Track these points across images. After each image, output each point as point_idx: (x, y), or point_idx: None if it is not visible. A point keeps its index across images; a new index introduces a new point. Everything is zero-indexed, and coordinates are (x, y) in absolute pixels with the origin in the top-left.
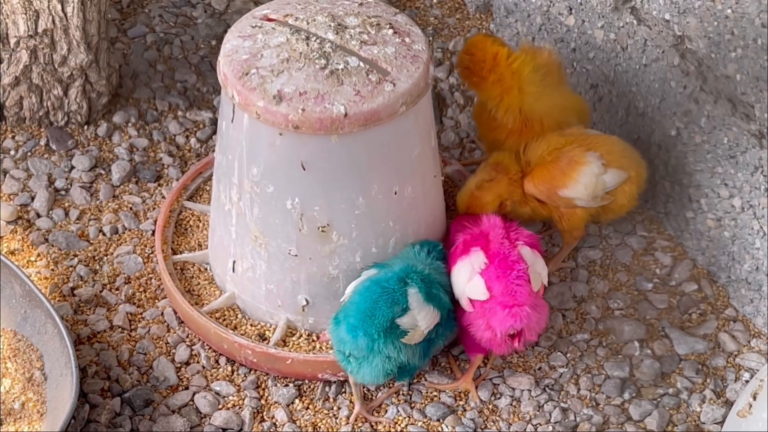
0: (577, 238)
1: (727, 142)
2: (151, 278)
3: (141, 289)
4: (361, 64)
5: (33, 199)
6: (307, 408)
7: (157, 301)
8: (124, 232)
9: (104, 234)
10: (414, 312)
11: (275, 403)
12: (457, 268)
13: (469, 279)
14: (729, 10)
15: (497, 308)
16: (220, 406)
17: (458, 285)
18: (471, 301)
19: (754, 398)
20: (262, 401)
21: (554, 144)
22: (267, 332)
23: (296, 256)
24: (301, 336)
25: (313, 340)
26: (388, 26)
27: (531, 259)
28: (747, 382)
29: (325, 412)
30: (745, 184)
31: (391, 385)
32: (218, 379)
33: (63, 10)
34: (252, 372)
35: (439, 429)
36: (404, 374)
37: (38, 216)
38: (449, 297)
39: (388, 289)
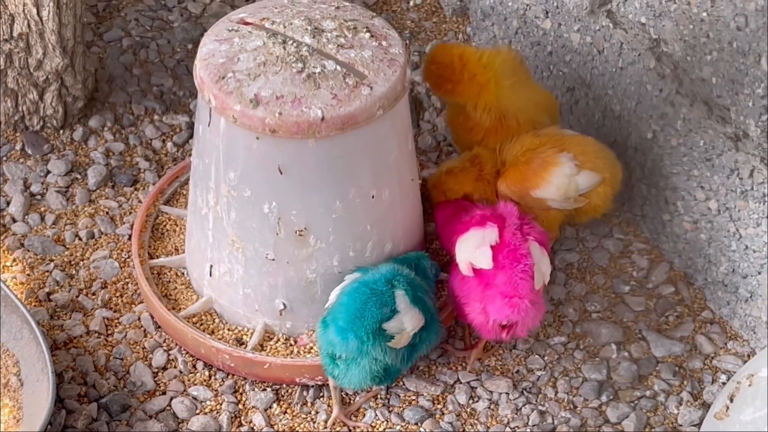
0: (552, 240)
1: (703, 145)
2: (127, 283)
3: (118, 294)
4: (338, 67)
5: (8, 203)
6: (285, 412)
7: (133, 305)
8: (100, 237)
9: (80, 239)
10: (401, 314)
11: (253, 407)
12: (468, 236)
13: (477, 246)
14: (704, 14)
15: (497, 296)
16: (198, 411)
17: (464, 251)
18: (473, 269)
19: (731, 400)
20: (240, 406)
21: (528, 145)
22: (244, 337)
23: (273, 260)
24: (278, 340)
25: (291, 345)
26: (365, 30)
27: (538, 257)
28: (724, 384)
29: (303, 416)
30: (721, 187)
31: (369, 389)
32: (196, 384)
33: (38, 14)
34: (229, 377)
35: None
36: (387, 378)
37: (14, 221)
38: (432, 303)
39: (376, 291)
